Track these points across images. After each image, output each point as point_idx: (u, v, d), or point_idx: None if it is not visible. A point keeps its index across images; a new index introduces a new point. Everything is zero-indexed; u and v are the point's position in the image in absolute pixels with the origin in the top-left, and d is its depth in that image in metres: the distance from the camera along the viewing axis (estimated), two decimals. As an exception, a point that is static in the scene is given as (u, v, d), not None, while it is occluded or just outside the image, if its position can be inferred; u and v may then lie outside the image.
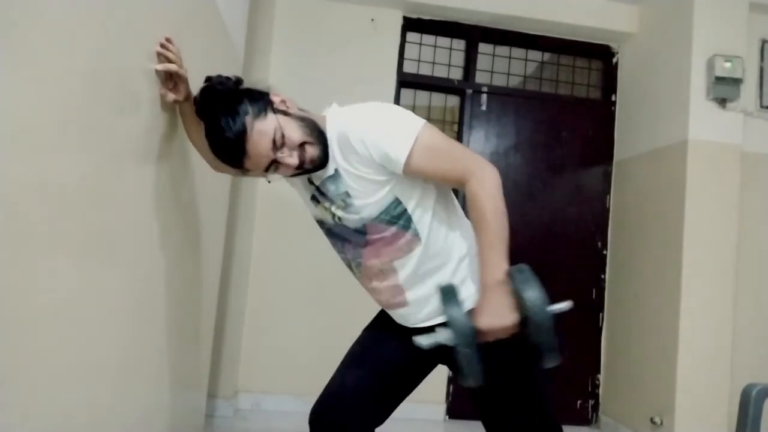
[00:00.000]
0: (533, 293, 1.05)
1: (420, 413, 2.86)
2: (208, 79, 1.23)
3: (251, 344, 3.03)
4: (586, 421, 3.27)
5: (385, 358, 1.36)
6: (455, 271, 1.25)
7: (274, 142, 1.15)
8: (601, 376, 3.28)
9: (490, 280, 1.10)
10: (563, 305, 1.06)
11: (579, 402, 3.27)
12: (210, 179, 1.95)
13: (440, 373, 1.57)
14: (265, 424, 2.83)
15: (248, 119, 1.13)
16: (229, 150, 1.16)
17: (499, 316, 1.07)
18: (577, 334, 3.28)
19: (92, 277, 1.07)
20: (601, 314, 3.31)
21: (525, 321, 1.07)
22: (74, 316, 1.01)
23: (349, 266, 1.32)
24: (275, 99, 1.21)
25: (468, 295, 1.23)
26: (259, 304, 3.05)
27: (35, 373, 0.89)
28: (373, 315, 1.45)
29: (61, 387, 0.98)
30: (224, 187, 2.37)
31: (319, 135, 1.20)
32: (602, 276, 3.33)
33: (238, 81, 1.24)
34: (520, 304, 1.07)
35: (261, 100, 1.18)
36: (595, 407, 3.28)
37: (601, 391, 3.28)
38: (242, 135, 1.13)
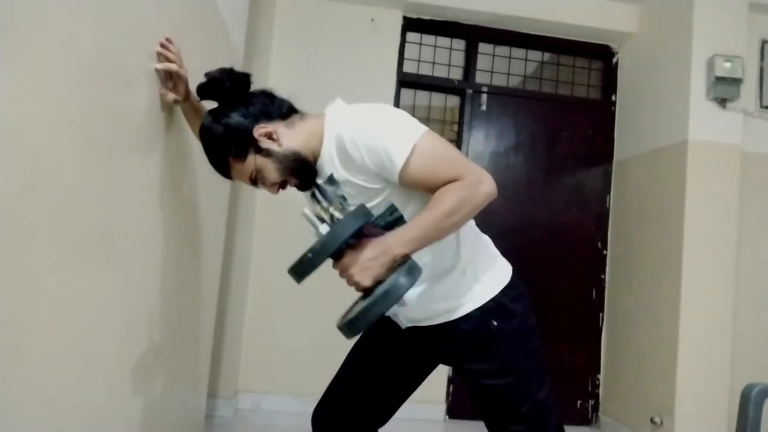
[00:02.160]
0: (396, 291, 1.01)
1: (420, 413, 2.86)
2: (207, 76, 1.23)
3: (251, 344, 3.03)
4: (586, 421, 3.27)
5: (386, 359, 1.36)
6: (458, 269, 1.23)
7: (251, 179, 1.23)
8: (601, 376, 3.28)
9: (390, 244, 1.05)
10: (401, 320, 1.08)
11: (579, 402, 3.27)
12: (210, 179, 1.95)
13: (440, 373, 1.57)
14: (265, 424, 2.83)
15: (229, 158, 1.21)
16: (219, 172, 1.27)
17: (363, 270, 1.04)
18: (577, 334, 3.28)
19: (92, 277, 1.07)
20: (601, 314, 3.31)
21: (369, 292, 1.05)
22: (73, 316, 1.01)
23: None
24: (260, 133, 1.19)
25: (486, 284, 1.24)
26: (259, 304, 3.05)
27: (34, 373, 0.89)
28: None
29: (60, 387, 0.98)
30: (224, 188, 2.37)
31: (302, 169, 1.20)
32: (602, 276, 3.33)
33: (237, 81, 1.23)
34: (382, 279, 1.04)
35: (241, 141, 1.19)
36: (595, 407, 3.28)
37: (601, 391, 3.28)
38: (226, 169, 1.24)
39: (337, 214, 1.20)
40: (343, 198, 1.18)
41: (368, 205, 1.14)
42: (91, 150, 1.02)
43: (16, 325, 0.83)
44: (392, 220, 1.17)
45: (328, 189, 1.21)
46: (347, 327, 1.05)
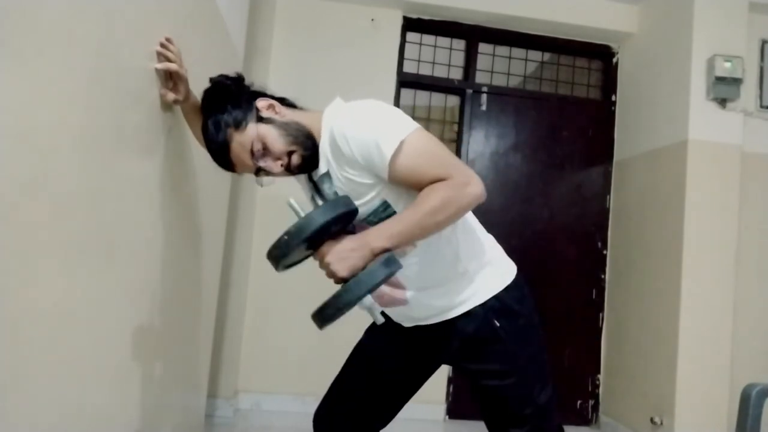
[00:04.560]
0: (370, 279, 1.01)
1: (420, 413, 2.86)
2: (210, 81, 1.24)
3: (251, 344, 3.03)
4: (586, 421, 3.26)
5: (388, 361, 1.36)
6: (461, 267, 1.23)
7: (252, 152, 1.17)
8: (601, 376, 3.28)
9: (370, 237, 1.05)
10: (377, 316, 1.05)
11: (579, 402, 3.27)
12: (210, 180, 1.95)
13: (440, 373, 1.57)
14: (265, 424, 2.83)
15: (230, 131, 1.16)
16: (217, 159, 1.22)
17: (339, 261, 1.03)
18: (577, 334, 3.28)
19: (92, 278, 1.07)
20: (601, 314, 3.31)
21: (343, 285, 1.03)
22: (74, 317, 1.01)
23: None
24: (262, 105, 1.19)
25: (490, 282, 1.23)
26: (259, 304, 3.05)
27: (34, 373, 0.89)
28: (373, 315, 1.45)
29: (60, 388, 0.98)
30: (224, 188, 2.37)
31: (305, 140, 1.18)
32: (602, 276, 3.33)
33: (238, 80, 1.24)
34: (356, 273, 1.03)
35: (243, 110, 1.18)
36: (595, 407, 3.28)
37: (601, 391, 3.28)
38: (226, 147, 1.18)
39: None
40: (336, 194, 1.18)
41: (360, 201, 1.14)
42: (92, 150, 1.02)
43: (16, 325, 0.83)
44: (385, 216, 1.16)
45: (324, 185, 1.20)
46: (317, 315, 1.03)
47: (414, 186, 1.11)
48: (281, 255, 1.04)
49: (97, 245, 1.08)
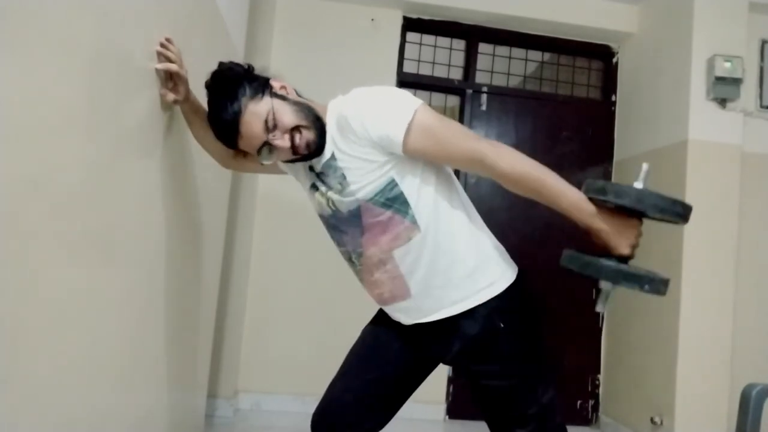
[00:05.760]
0: (621, 190, 1.10)
1: (420, 413, 2.86)
2: (220, 64, 1.26)
3: (251, 344, 3.03)
4: (586, 421, 3.26)
5: (385, 361, 1.35)
6: (464, 259, 1.23)
7: (266, 123, 1.18)
8: (601, 376, 3.28)
9: (587, 218, 1.14)
10: (644, 168, 1.14)
11: (579, 402, 3.27)
12: (210, 180, 1.95)
13: (440, 373, 1.57)
14: (265, 424, 2.83)
15: (244, 101, 1.18)
16: (225, 130, 1.20)
17: (625, 232, 1.13)
18: (577, 334, 3.28)
19: (92, 277, 1.07)
20: (601, 314, 3.31)
21: (639, 213, 1.12)
22: (74, 317, 1.01)
23: (350, 259, 1.30)
24: (275, 84, 1.23)
25: (492, 280, 1.24)
26: (259, 304, 3.05)
27: (35, 373, 0.89)
28: (373, 314, 1.45)
29: (60, 387, 0.98)
30: (224, 188, 2.37)
31: (315, 120, 1.21)
32: (602, 276, 3.32)
33: (248, 68, 1.26)
34: (620, 208, 1.11)
35: (259, 83, 1.21)
36: (595, 407, 3.28)
37: (601, 391, 3.28)
38: (237, 116, 1.17)
39: (336, 197, 1.21)
40: (343, 176, 1.19)
41: (369, 179, 1.17)
42: (92, 150, 1.02)
43: (16, 325, 0.83)
44: (392, 196, 1.18)
45: (328, 171, 1.22)
46: (680, 205, 1.11)
47: (431, 154, 1.17)
48: (647, 277, 1.14)
49: (97, 245, 1.08)
